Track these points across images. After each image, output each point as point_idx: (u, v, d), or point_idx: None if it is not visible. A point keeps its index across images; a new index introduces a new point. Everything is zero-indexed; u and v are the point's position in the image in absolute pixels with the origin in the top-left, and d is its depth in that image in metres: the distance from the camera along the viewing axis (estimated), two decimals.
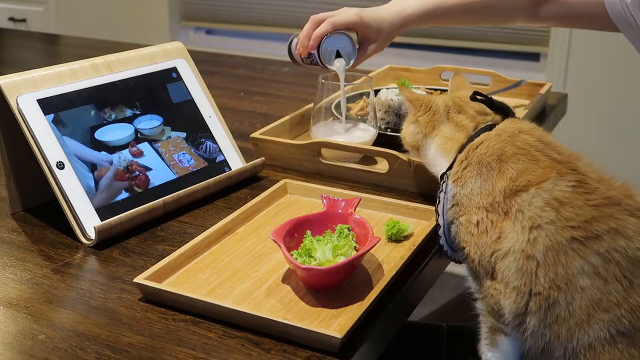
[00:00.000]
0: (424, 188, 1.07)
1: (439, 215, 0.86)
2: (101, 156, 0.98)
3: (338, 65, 1.20)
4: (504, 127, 0.86)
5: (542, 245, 0.73)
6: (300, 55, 1.23)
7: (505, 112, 0.90)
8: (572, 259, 0.71)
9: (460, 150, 0.87)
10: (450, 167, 0.87)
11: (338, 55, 1.20)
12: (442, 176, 0.88)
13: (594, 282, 0.70)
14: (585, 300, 0.71)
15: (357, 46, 1.21)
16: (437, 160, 0.92)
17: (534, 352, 0.75)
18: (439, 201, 0.86)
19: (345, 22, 1.18)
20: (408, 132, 0.97)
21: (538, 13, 1.23)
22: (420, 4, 1.22)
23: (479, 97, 0.90)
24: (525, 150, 0.81)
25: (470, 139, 0.87)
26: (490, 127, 0.88)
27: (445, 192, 0.86)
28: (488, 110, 0.91)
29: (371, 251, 0.84)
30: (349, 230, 0.87)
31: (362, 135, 1.19)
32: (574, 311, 0.71)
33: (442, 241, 0.86)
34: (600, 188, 0.75)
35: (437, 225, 0.86)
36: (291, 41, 1.26)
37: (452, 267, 1.05)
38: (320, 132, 1.20)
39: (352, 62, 1.21)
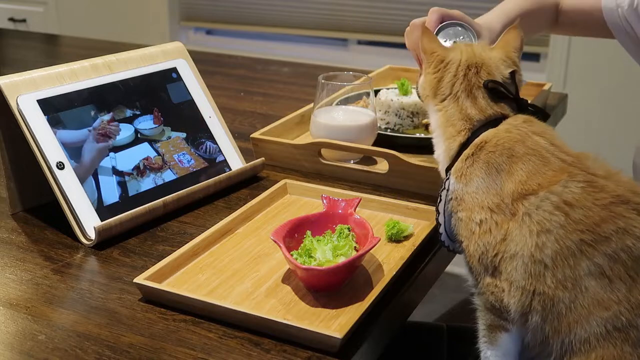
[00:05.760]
0: (424, 188, 1.07)
1: (439, 213, 0.85)
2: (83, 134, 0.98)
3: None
4: (515, 124, 0.82)
5: (550, 250, 0.73)
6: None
7: (519, 104, 0.86)
8: (580, 260, 0.71)
9: (463, 146, 0.84)
10: (451, 164, 0.85)
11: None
12: (446, 172, 0.86)
13: (599, 282, 0.71)
14: (588, 298, 0.71)
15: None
16: (437, 137, 0.88)
17: (532, 345, 0.76)
18: (441, 199, 0.84)
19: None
20: (420, 83, 0.95)
21: (557, 21, 1.29)
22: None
23: (490, 86, 0.85)
24: (535, 151, 0.79)
25: (476, 133, 0.83)
26: (496, 121, 0.84)
27: (447, 190, 0.84)
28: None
29: (371, 251, 0.84)
30: (349, 231, 0.87)
31: (362, 118, 1.19)
32: (575, 308, 0.71)
33: (443, 237, 0.85)
34: (608, 185, 0.75)
35: (437, 224, 0.85)
36: None
37: (452, 267, 1.05)
38: (321, 118, 1.19)
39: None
